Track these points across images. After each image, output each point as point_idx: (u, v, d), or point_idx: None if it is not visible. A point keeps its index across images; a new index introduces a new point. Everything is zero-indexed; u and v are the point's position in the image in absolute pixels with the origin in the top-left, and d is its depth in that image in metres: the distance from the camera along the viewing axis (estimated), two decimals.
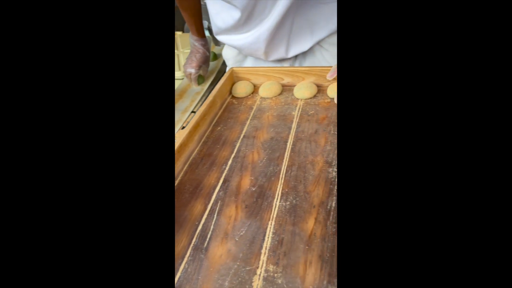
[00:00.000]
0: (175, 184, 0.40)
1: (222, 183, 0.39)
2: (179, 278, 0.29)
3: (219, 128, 0.50)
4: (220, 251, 0.31)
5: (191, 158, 0.44)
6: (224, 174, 0.40)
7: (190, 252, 0.31)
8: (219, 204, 0.36)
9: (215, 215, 0.35)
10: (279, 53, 0.65)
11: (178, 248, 0.32)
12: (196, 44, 0.82)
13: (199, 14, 0.79)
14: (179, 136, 0.43)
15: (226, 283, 0.28)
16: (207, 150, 0.45)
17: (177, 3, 0.74)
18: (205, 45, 0.83)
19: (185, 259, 0.30)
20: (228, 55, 0.76)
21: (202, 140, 0.48)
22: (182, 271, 0.29)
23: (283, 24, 0.59)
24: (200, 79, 0.84)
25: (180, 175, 0.41)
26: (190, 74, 0.82)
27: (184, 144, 0.42)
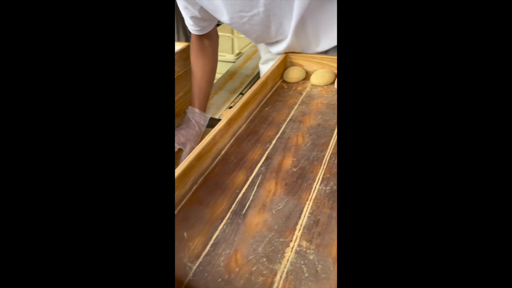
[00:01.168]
0: (221, 154, 0.42)
1: (265, 159, 0.40)
2: (216, 236, 0.31)
3: (267, 109, 0.51)
4: (256, 220, 0.32)
5: (237, 133, 0.46)
6: (267, 152, 0.42)
7: (229, 216, 0.33)
8: (260, 178, 0.38)
9: (255, 187, 0.36)
10: (311, 48, 0.62)
11: (218, 211, 0.34)
12: (194, 119, 0.62)
13: (206, 89, 0.65)
14: (227, 113, 0.45)
15: (260, 249, 0.29)
16: (254, 127, 0.47)
17: (191, 63, 0.65)
18: (202, 123, 0.63)
19: (224, 221, 0.33)
20: (263, 69, 0.76)
21: (249, 118, 0.49)
22: (220, 230, 0.32)
23: (305, 24, 0.56)
24: None
25: (227, 147, 0.43)
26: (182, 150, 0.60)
27: (233, 119, 0.44)
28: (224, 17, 0.54)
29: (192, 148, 0.57)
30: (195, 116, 0.63)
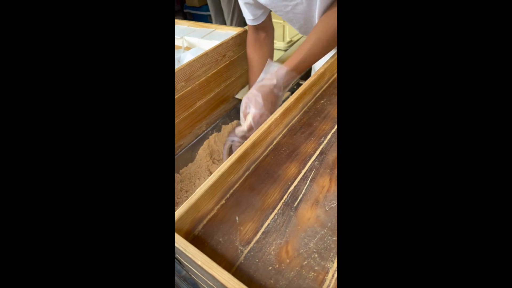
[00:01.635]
0: (273, 144, 0.42)
1: (319, 154, 0.39)
2: (268, 225, 0.31)
3: (322, 101, 0.50)
4: (309, 214, 0.32)
5: (290, 124, 0.45)
6: (321, 146, 0.41)
7: (281, 207, 0.33)
8: (313, 172, 0.37)
9: (308, 181, 0.36)
10: None
11: (269, 200, 0.34)
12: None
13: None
14: (285, 103, 0.44)
15: (312, 244, 0.29)
16: (308, 120, 0.46)
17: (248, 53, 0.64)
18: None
19: (275, 211, 0.33)
20: None
21: (304, 109, 0.48)
22: (272, 219, 0.32)
23: None
24: None
25: (279, 137, 0.43)
26: (233, 141, 0.54)
27: (288, 110, 0.44)
28: (265, 1, 0.54)
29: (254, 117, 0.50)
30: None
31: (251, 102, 0.49)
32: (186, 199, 0.62)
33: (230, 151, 0.56)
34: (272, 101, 0.49)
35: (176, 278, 0.42)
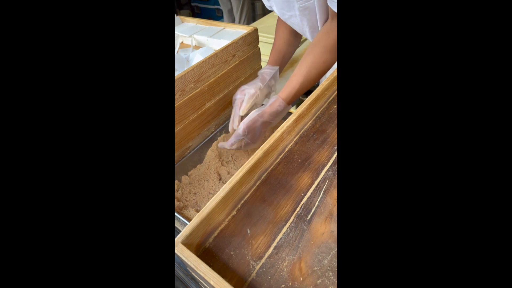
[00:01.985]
0: (285, 151, 0.41)
1: (332, 164, 0.38)
2: (280, 239, 0.31)
3: (335, 106, 0.48)
4: (322, 229, 0.31)
5: (303, 130, 0.44)
6: (335, 155, 0.39)
7: (293, 220, 0.32)
8: (326, 183, 0.36)
9: (321, 193, 0.35)
10: None
11: (282, 212, 0.33)
12: (262, 75, 0.63)
13: (285, 52, 0.67)
14: (298, 109, 0.43)
15: (326, 261, 0.28)
16: (320, 126, 0.44)
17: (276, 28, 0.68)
18: (267, 78, 0.63)
19: (288, 224, 0.32)
20: None
21: (316, 115, 0.47)
22: (284, 233, 0.31)
23: None
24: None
25: (291, 144, 0.42)
26: (242, 99, 0.61)
27: (301, 116, 0.43)
28: (272, 5, 0.61)
29: (252, 95, 0.61)
30: (263, 73, 0.64)
31: (247, 125, 0.56)
32: (195, 202, 0.62)
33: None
34: (262, 130, 0.58)
35: None
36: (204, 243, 0.31)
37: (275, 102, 0.57)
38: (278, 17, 0.67)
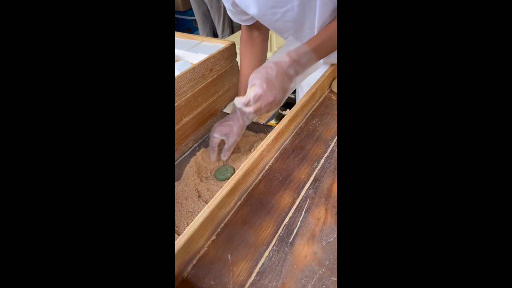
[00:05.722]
0: (265, 169, 0.40)
1: (313, 181, 0.38)
2: (262, 264, 0.30)
3: (313, 121, 0.48)
4: (305, 251, 0.30)
5: (282, 147, 0.44)
6: (315, 172, 0.39)
7: (275, 242, 0.31)
8: (307, 202, 0.35)
9: (303, 213, 0.34)
10: None
11: (263, 234, 0.32)
12: (239, 111, 0.55)
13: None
14: (277, 126, 0.43)
15: (310, 286, 0.28)
16: (300, 142, 0.45)
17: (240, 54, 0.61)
18: (247, 115, 0.56)
19: (270, 247, 0.31)
20: None
21: (295, 131, 0.47)
22: (266, 258, 0.30)
23: None
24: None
25: (271, 162, 0.41)
26: (214, 138, 0.58)
27: (281, 133, 0.42)
28: (252, 10, 0.50)
29: (235, 142, 0.55)
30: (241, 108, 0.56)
31: (258, 74, 0.43)
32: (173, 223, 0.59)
33: (219, 149, 0.57)
34: (282, 81, 0.42)
35: None
36: (182, 273, 0.29)
37: (305, 54, 0.44)
38: (242, 41, 0.62)
